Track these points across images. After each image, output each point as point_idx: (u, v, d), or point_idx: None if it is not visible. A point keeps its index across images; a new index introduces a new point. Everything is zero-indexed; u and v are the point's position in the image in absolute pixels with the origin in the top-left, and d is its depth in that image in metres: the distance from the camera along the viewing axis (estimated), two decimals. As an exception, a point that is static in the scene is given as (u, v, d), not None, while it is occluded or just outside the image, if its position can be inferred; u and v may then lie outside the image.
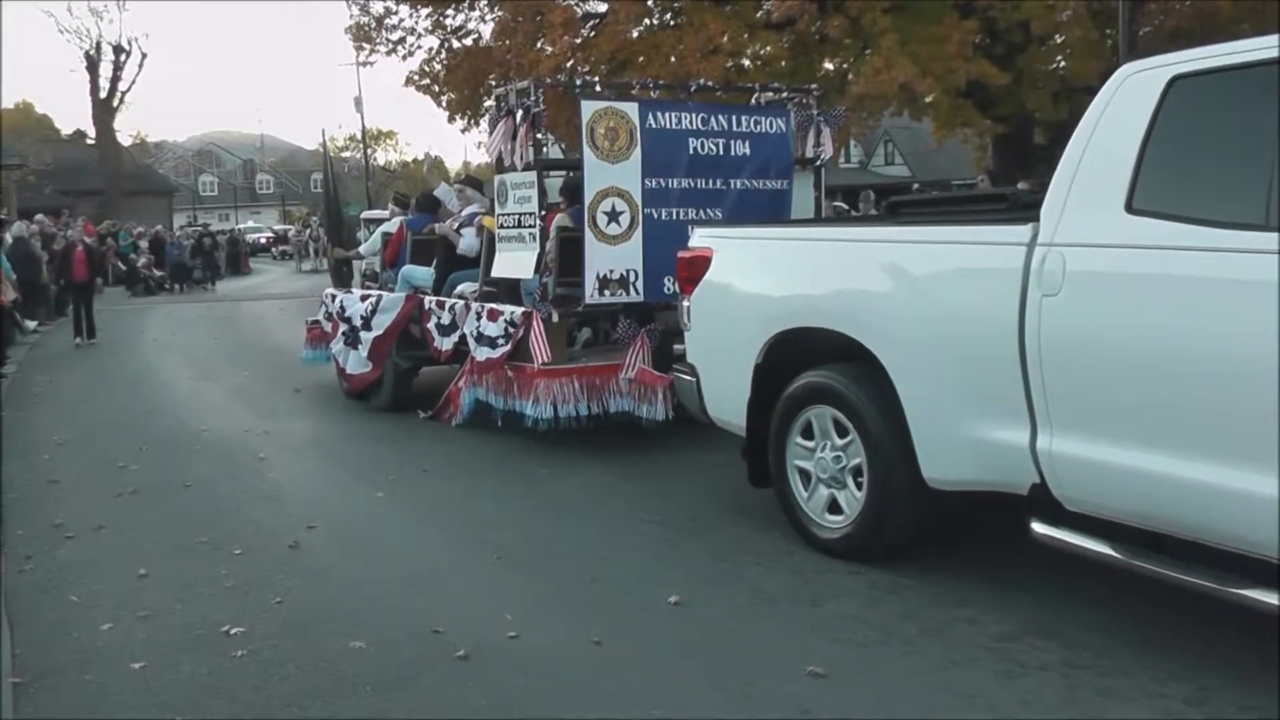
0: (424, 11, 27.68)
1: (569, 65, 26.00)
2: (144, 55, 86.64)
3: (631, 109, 10.96)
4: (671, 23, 27.02)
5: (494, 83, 26.62)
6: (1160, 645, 5.70)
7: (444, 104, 28.21)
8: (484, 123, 28.27)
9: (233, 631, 6.21)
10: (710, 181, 11.31)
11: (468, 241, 12.79)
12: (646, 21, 27.06)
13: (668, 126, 11.10)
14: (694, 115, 11.26)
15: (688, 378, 8.86)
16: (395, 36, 28.33)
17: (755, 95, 12.37)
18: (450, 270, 12.81)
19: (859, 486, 7.13)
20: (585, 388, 10.85)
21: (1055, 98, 26.22)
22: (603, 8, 27.32)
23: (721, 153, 11.34)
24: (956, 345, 6.41)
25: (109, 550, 8.00)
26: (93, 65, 62.78)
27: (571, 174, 11.75)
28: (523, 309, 11.00)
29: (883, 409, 6.90)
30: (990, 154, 29.42)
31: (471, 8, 28.11)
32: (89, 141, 69.29)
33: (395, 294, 13.03)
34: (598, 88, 11.30)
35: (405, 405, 13.05)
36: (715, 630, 6.18)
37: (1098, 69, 25.16)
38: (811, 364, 7.59)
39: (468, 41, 28.22)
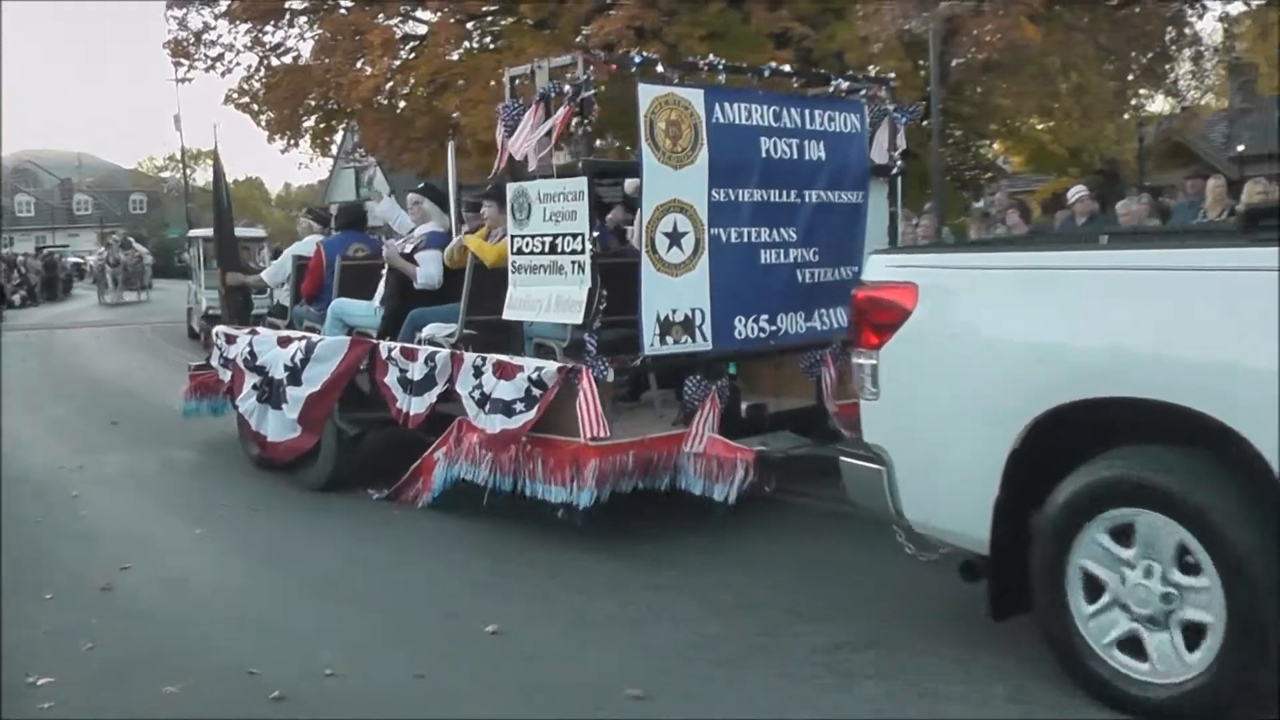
0: (243, 28, 23.28)
1: (388, 87, 22.13)
2: (-43, 70, 76.25)
3: (696, 97, 7.01)
4: (491, 45, 23.38)
5: (313, 102, 22.44)
6: (980, 648, 5.06)
7: (263, 123, 23.73)
8: (304, 142, 23.66)
9: (40, 682, 5.10)
10: (784, 193, 7.50)
11: (428, 271, 8.47)
12: (466, 44, 23.36)
13: (737, 121, 7.23)
14: (765, 108, 7.40)
15: (870, 466, 5.29)
16: (214, 53, 23.90)
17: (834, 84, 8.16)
18: (406, 305, 8.43)
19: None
20: (640, 465, 6.92)
21: (871, 126, 23.27)
22: (422, 29, 23.32)
23: (796, 156, 7.49)
24: None
25: (-93, 599, 6.35)
26: (-98, 81, 53.74)
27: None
28: (558, 364, 6.79)
29: (1254, 519, 4.04)
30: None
31: (291, 25, 23.82)
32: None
33: (334, 337, 8.52)
34: (659, 67, 7.10)
35: (349, 481, 8.56)
36: (537, 657, 5.39)
37: (912, 97, 22.64)
38: (1096, 450, 4.56)
39: (287, 59, 23.91)
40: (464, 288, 7.94)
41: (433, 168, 23.02)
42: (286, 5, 23.10)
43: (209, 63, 23.51)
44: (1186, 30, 21.13)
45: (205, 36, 23.50)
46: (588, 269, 6.68)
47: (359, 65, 21.76)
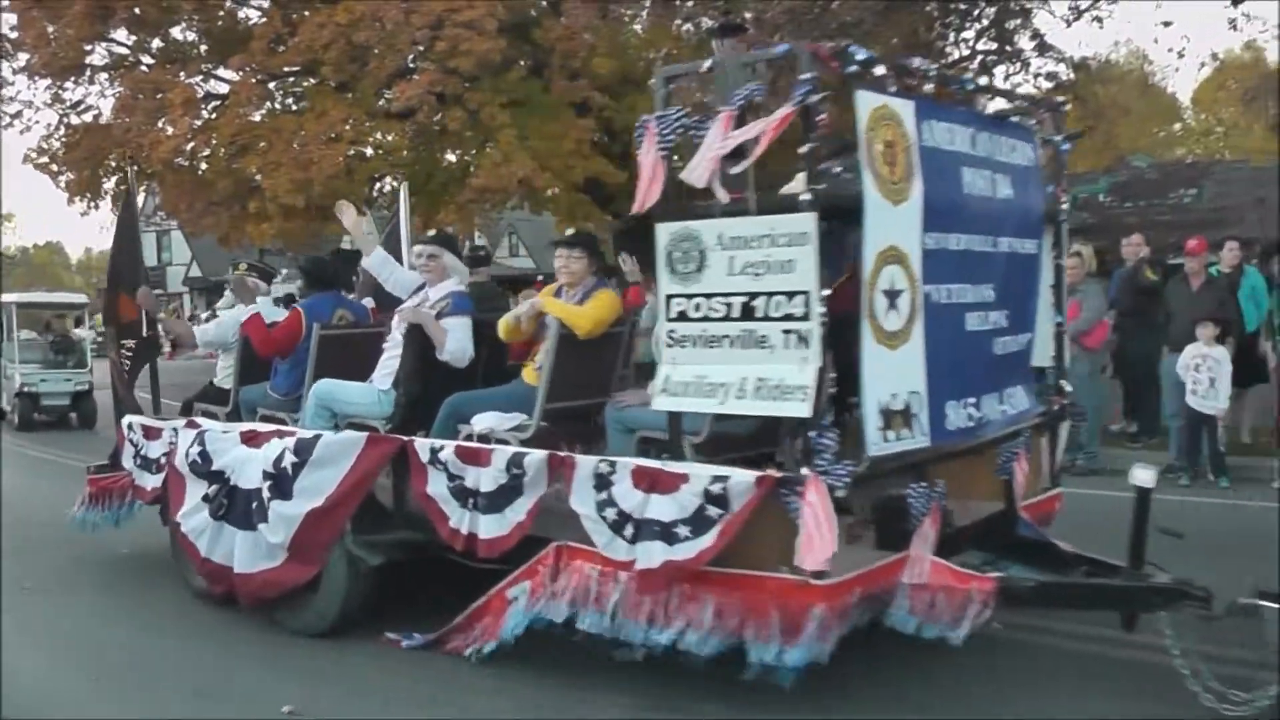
0: (42, 83, 20.08)
1: (189, 148, 19.43)
2: None
3: (907, 111, 4.87)
4: (294, 107, 20.73)
5: (114, 163, 19.33)
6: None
7: (63, 185, 20.28)
8: (105, 204, 20.05)
9: None
10: (985, 240, 5.27)
11: (458, 342, 5.91)
12: (269, 105, 20.55)
13: (942, 145, 5.11)
14: (965, 130, 5.21)
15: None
16: (13, 109, 20.53)
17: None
18: (431, 387, 5.89)
19: None
20: (863, 606, 4.75)
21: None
22: (224, 89, 20.53)
23: (990, 193, 5.37)
24: None
25: None
26: None
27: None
28: (757, 473, 4.42)
29: None
30: (613, 248, 24.39)
31: (91, 82, 20.51)
32: None
33: (343, 434, 5.83)
34: (878, 69, 4.79)
35: (362, 620, 5.86)
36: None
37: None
38: None
39: (87, 118, 20.58)
40: (545, 364, 5.46)
41: (234, 232, 19.97)
42: (87, 61, 20.01)
43: (7, 120, 20.34)
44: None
45: (3, 92, 20.33)
46: (815, 341, 4.38)
47: (160, 125, 18.97)
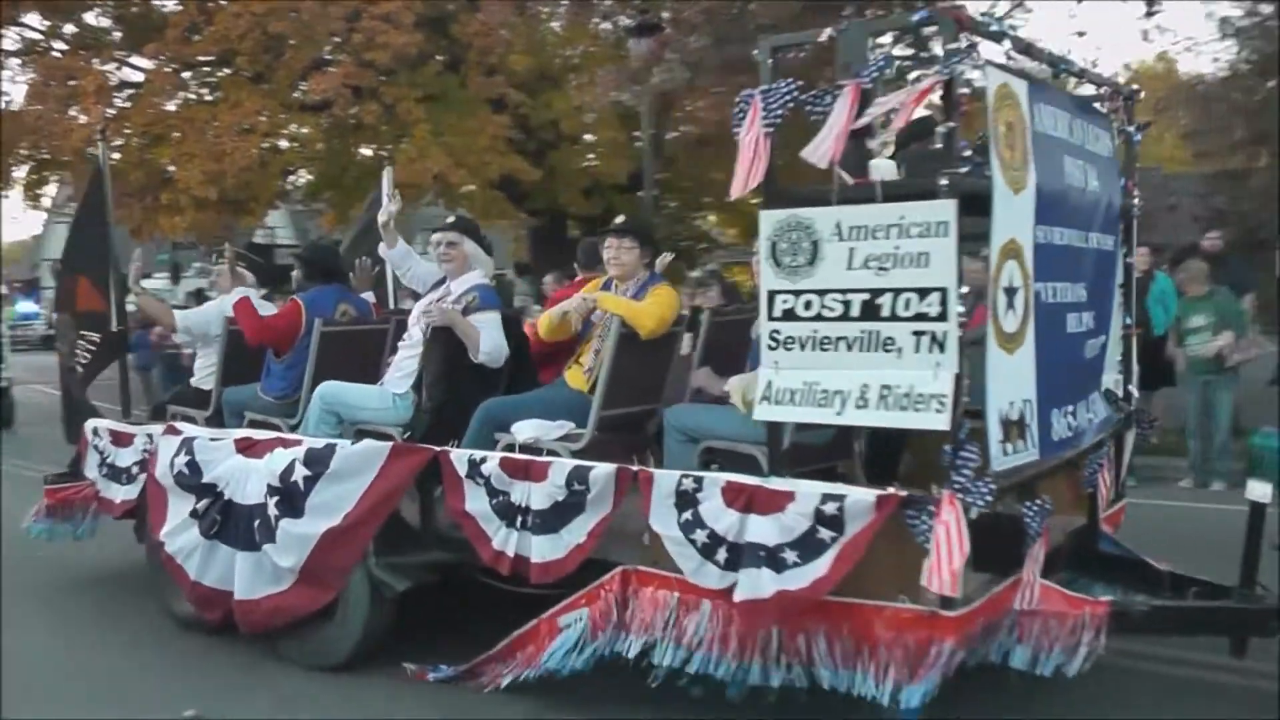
0: None
1: (100, 137, 17.64)
2: None
3: (1022, 91, 4.25)
4: (208, 97, 19.43)
5: (25, 151, 18.19)
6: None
7: None
8: (15, 194, 18.67)
9: None
10: (1079, 236, 4.79)
11: (493, 341, 5.18)
12: (183, 95, 19.18)
13: (1050, 131, 4.59)
14: (1065, 115, 4.67)
15: None
16: None
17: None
18: (465, 388, 5.16)
19: None
20: (984, 637, 4.18)
21: (587, 193, 21.65)
22: (138, 76, 19.08)
23: (1084, 184, 4.85)
24: None
25: None
26: None
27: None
28: (878, 491, 3.82)
29: None
30: (528, 246, 23.73)
31: (2, 67, 18.93)
32: None
33: (364, 444, 5.04)
34: (1005, 44, 4.19)
35: (381, 650, 5.11)
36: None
37: (626, 168, 21.09)
38: None
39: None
40: (603, 366, 4.77)
41: (146, 224, 18.73)
42: (-2, 46, 18.61)
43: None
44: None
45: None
46: (952, 345, 3.78)
47: (72, 113, 17.56)
